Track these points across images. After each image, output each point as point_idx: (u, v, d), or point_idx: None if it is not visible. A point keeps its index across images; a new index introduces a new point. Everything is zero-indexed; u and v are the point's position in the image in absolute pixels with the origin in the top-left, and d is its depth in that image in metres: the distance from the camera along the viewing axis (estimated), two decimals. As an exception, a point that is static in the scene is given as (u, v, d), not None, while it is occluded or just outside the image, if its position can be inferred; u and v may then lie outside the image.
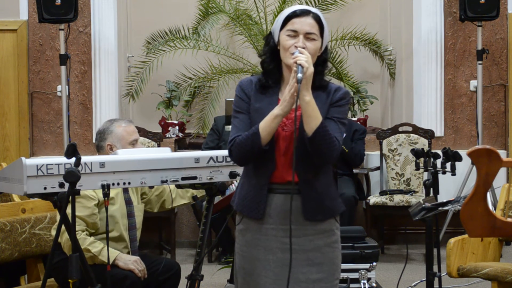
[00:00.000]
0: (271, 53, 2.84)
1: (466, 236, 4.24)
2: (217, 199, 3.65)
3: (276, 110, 2.72)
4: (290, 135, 2.78)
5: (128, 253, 3.90)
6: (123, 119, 4.05)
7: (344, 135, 2.84)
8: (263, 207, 2.81)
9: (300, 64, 2.66)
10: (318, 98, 2.77)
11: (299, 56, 2.69)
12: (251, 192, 2.84)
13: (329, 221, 2.85)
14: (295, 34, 2.76)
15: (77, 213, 3.29)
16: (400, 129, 6.88)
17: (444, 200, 3.61)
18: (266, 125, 2.72)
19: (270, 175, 2.79)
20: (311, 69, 2.68)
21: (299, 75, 2.64)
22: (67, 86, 6.68)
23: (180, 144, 7.17)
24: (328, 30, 2.84)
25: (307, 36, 2.76)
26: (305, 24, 2.77)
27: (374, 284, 4.83)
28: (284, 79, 2.85)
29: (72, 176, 2.88)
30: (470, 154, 2.44)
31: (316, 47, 2.78)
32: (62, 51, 6.58)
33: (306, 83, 2.67)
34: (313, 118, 2.69)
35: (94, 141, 4.08)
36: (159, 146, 6.66)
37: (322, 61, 2.84)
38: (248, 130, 2.77)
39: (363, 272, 4.81)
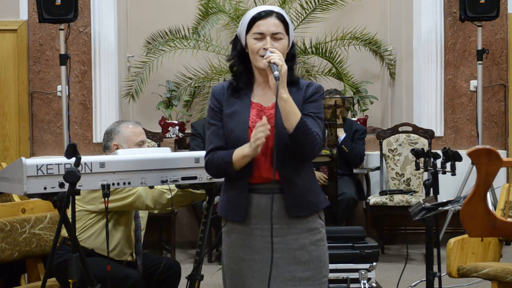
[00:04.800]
0: (239, 56, 2.86)
1: (466, 236, 4.24)
2: (217, 199, 3.65)
3: (246, 150, 2.73)
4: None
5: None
6: (130, 121, 4.06)
7: (322, 130, 2.84)
8: (245, 209, 2.82)
9: (274, 63, 2.68)
10: (291, 94, 2.79)
11: (272, 55, 2.71)
12: (233, 195, 2.85)
13: (313, 219, 2.85)
14: (261, 36, 2.78)
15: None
16: (400, 129, 6.88)
17: (444, 200, 3.61)
18: (237, 160, 2.75)
19: (250, 176, 2.81)
20: (285, 67, 2.71)
21: (276, 73, 2.66)
22: (67, 86, 6.68)
23: (180, 144, 7.17)
24: (292, 26, 2.87)
25: (274, 36, 2.79)
26: (270, 25, 2.79)
27: (374, 284, 4.83)
28: (255, 81, 2.87)
29: (72, 176, 2.88)
30: (470, 154, 2.44)
31: (284, 46, 2.80)
32: (62, 51, 6.57)
33: (282, 81, 2.69)
34: (293, 114, 2.70)
35: (101, 141, 4.08)
36: (159, 146, 6.66)
37: (291, 56, 2.86)
38: (221, 141, 2.82)
39: (363, 272, 4.81)
